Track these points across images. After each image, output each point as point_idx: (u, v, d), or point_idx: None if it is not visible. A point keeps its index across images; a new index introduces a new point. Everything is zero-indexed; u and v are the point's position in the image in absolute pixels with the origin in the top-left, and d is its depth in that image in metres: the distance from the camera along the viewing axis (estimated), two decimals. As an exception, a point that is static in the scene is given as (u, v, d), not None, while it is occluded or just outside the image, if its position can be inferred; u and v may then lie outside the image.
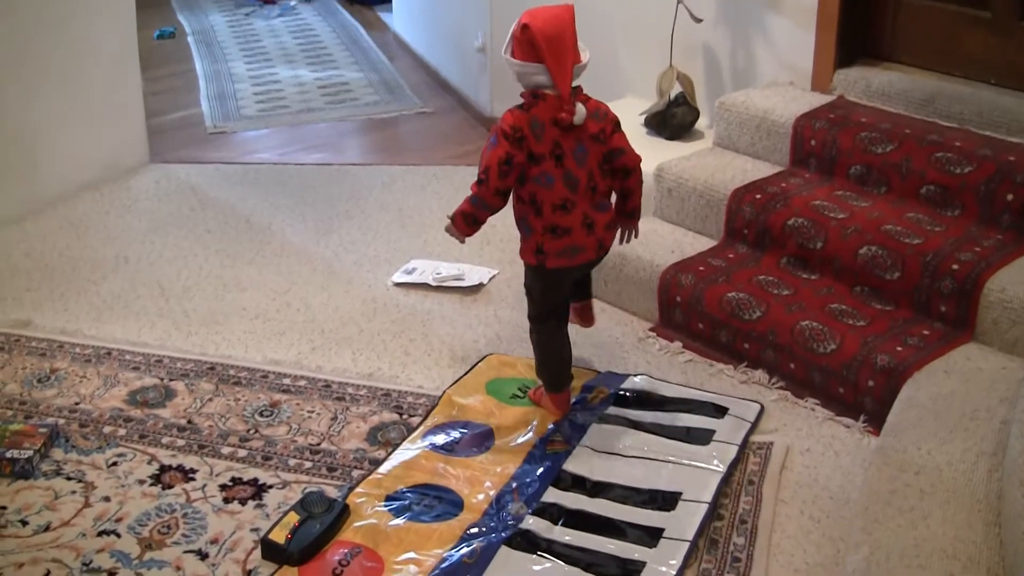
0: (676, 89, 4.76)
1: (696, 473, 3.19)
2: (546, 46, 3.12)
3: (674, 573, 2.82)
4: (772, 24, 4.62)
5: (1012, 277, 3.45)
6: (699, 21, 4.61)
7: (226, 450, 3.36)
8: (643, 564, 2.85)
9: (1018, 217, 3.66)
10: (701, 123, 4.82)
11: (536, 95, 3.17)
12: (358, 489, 3.13)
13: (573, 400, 3.55)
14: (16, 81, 4.92)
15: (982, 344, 3.46)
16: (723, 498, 3.10)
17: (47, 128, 5.11)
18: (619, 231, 3.45)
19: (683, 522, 2.99)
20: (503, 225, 4.78)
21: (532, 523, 2.99)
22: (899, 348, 3.43)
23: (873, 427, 3.37)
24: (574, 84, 3.21)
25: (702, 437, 3.34)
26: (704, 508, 3.04)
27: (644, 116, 4.84)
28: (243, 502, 3.12)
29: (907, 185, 3.93)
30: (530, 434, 3.40)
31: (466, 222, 3.31)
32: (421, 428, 3.44)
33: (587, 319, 3.76)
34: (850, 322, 3.59)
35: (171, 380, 3.74)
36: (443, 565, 2.85)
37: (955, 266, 3.52)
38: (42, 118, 5.08)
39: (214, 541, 2.97)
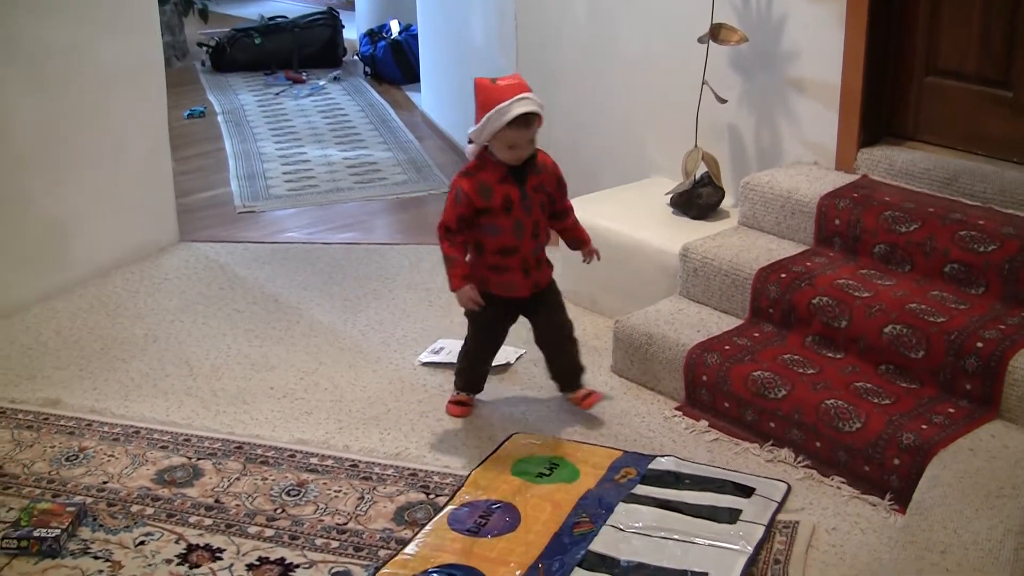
0: (701, 169, 4.79)
1: (723, 553, 3.18)
2: None
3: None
4: (796, 104, 4.66)
5: (1036, 355, 3.45)
6: (724, 102, 4.65)
7: (253, 529, 3.38)
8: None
9: (1042, 295, 3.67)
10: (726, 203, 4.84)
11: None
12: (385, 570, 3.13)
13: (600, 479, 3.56)
14: (48, 161, 5.00)
15: (1007, 422, 3.45)
16: (749, 578, 3.10)
17: (78, 207, 5.18)
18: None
19: (711, 603, 3.00)
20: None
21: (558, 603, 2.99)
22: (924, 426, 3.43)
23: (899, 505, 3.36)
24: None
25: (729, 517, 3.34)
26: (731, 588, 3.04)
27: (670, 196, 4.87)
28: (270, 582, 3.14)
29: (931, 263, 3.94)
30: (557, 514, 3.39)
31: None
32: (447, 508, 3.44)
33: (589, 403, 4.04)
34: (875, 400, 3.59)
35: (199, 459, 3.76)
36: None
37: (979, 344, 3.52)
38: (73, 197, 5.15)
39: (241, 621, 2.98)
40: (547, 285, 3.92)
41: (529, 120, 3.58)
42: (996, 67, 4.16)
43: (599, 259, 4.02)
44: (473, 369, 4.08)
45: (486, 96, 3.61)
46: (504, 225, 3.70)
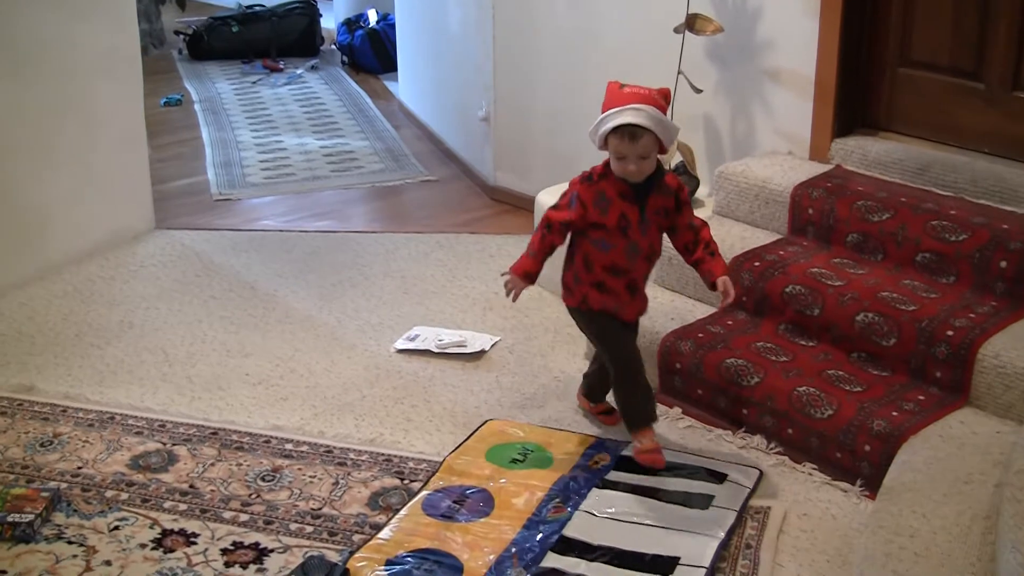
0: (677, 158, 4.80)
1: (694, 539, 3.20)
2: None
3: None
4: (771, 95, 4.69)
5: (1006, 343, 3.48)
6: (699, 92, 4.67)
7: (228, 514, 3.39)
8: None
9: (1012, 284, 3.70)
10: (701, 192, 4.87)
11: None
12: (359, 554, 3.14)
13: (573, 465, 3.59)
14: (24, 148, 4.99)
15: (977, 409, 3.49)
16: (721, 562, 3.12)
17: (54, 195, 5.17)
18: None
19: (682, 586, 3.03)
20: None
21: (531, 587, 3.01)
22: (895, 413, 3.46)
23: (870, 491, 3.39)
24: None
25: (701, 502, 3.37)
26: (702, 573, 3.05)
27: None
28: (244, 566, 3.14)
29: (903, 253, 3.97)
30: (530, 499, 3.42)
31: None
32: (422, 493, 3.45)
33: (611, 420, 3.91)
34: (847, 388, 3.62)
35: (174, 445, 3.77)
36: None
37: (950, 332, 3.55)
38: (49, 185, 5.14)
39: (215, 605, 3.00)
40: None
41: (635, 133, 3.30)
42: (968, 59, 4.20)
43: (733, 301, 3.55)
44: (643, 393, 3.65)
45: (606, 99, 3.39)
46: (618, 244, 3.46)
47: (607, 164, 3.44)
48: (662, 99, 3.38)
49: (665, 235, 3.58)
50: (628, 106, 3.31)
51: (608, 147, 3.40)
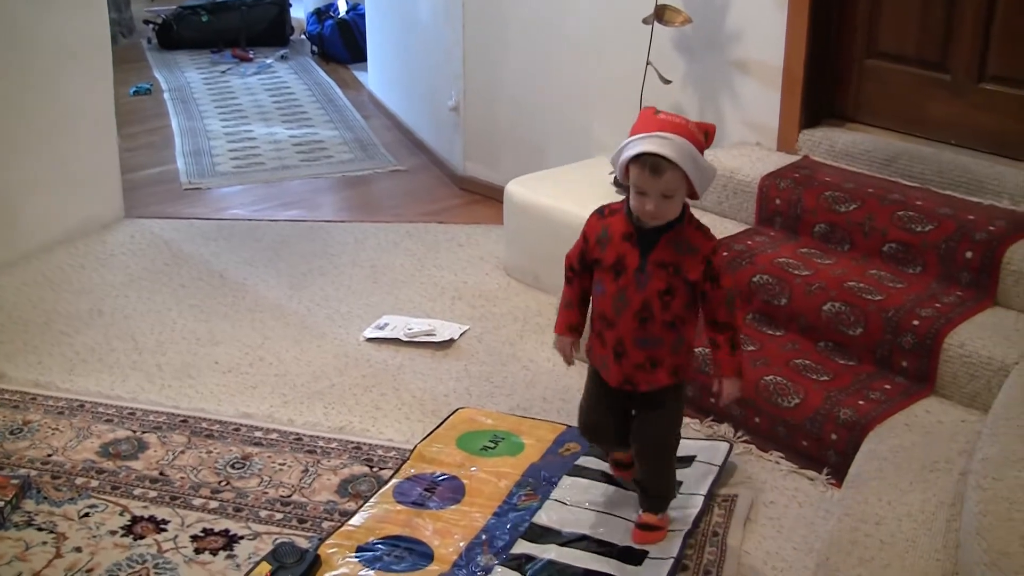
0: (645, 148, 4.82)
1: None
2: None
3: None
4: (739, 86, 4.71)
5: (971, 333, 3.52)
6: (668, 83, 4.69)
7: (198, 502, 3.39)
8: (610, 614, 2.90)
9: (977, 274, 3.74)
10: (669, 182, 4.89)
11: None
12: (329, 540, 3.16)
13: (544, 452, 3.60)
14: (-8, 137, 4.98)
15: (942, 398, 3.53)
16: (688, 549, 3.14)
17: (23, 183, 5.15)
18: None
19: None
20: (474, 281, 4.86)
21: (501, 574, 3.02)
22: (861, 402, 3.49)
23: (836, 479, 3.42)
24: None
25: (670, 489, 3.39)
26: (670, 563, 3.07)
27: (614, 176, 4.90)
28: (214, 552, 3.15)
29: (870, 243, 4.01)
30: (501, 487, 3.43)
31: None
32: (392, 481, 3.47)
33: (641, 538, 3.24)
34: (814, 377, 3.65)
35: (144, 432, 3.77)
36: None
37: (916, 322, 3.59)
38: (18, 173, 5.12)
39: (185, 591, 3.00)
40: (650, 392, 3.07)
41: (657, 166, 2.79)
42: (935, 50, 4.24)
43: (732, 402, 3.21)
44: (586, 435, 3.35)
45: (636, 124, 2.89)
46: (608, 290, 2.99)
47: (625, 201, 2.95)
48: (700, 134, 2.88)
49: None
50: (656, 133, 2.81)
51: (630, 181, 2.89)
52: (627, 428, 3.18)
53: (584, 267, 3.06)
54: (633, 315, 2.95)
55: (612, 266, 2.95)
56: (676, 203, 2.88)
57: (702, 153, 2.87)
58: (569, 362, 3.21)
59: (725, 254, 4.09)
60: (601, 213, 3.04)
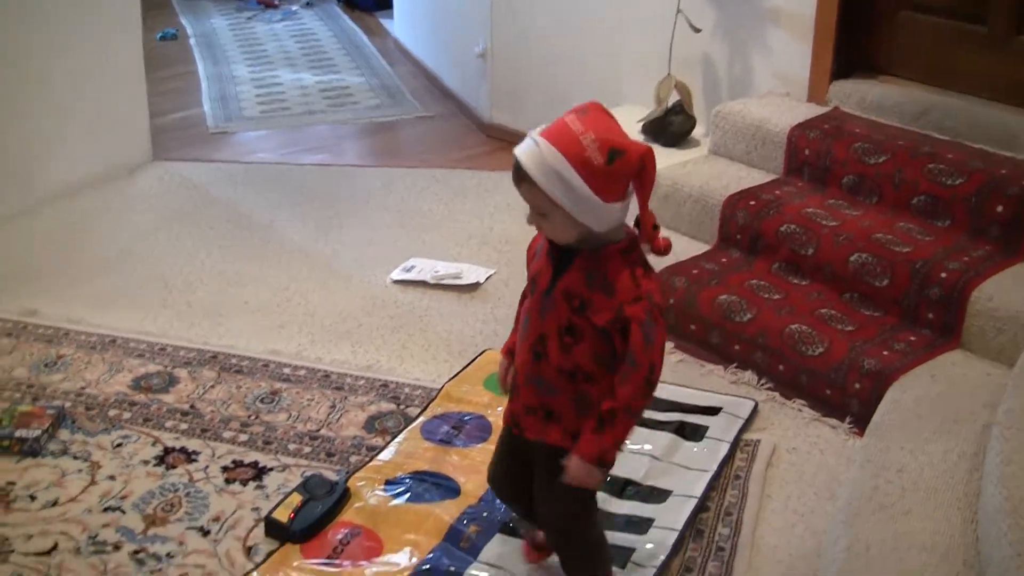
0: (674, 97, 4.83)
1: (687, 472, 3.26)
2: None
3: (662, 558, 2.89)
4: (770, 36, 4.71)
5: (999, 287, 3.53)
6: (698, 31, 4.69)
7: (227, 434, 3.44)
8: (632, 550, 2.92)
9: (1007, 229, 3.75)
10: (698, 131, 4.90)
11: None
12: (359, 474, 3.21)
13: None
14: (23, 81, 5.00)
15: (968, 351, 3.54)
16: (711, 491, 3.18)
17: (53, 127, 5.18)
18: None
19: (673, 513, 3.06)
20: (501, 227, 4.87)
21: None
22: (886, 353, 3.51)
23: (858, 429, 3.44)
24: None
25: (696, 434, 3.42)
26: (693, 502, 3.11)
27: (642, 123, 4.92)
28: (244, 483, 3.20)
29: (899, 195, 4.01)
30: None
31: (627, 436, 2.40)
32: (420, 419, 3.50)
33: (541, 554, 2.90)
34: (839, 327, 3.67)
35: (174, 367, 3.81)
36: (440, 545, 2.93)
37: (943, 275, 3.60)
38: (48, 117, 5.15)
39: (216, 519, 3.04)
40: (544, 448, 2.48)
41: (516, 173, 2.28)
42: (971, 1, 4.21)
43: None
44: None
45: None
46: (520, 309, 2.59)
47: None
48: (599, 152, 2.21)
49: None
50: (535, 135, 2.27)
51: None
52: (527, 491, 2.65)
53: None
54: (528, 346, 2.45)
55: (531, 282, 2.48)
56: (558, 224, 2.29)
57: (591, 174, 2.21)
58: (504, 390, 2.63)
59: (752, 203, 4.11)
60: None
